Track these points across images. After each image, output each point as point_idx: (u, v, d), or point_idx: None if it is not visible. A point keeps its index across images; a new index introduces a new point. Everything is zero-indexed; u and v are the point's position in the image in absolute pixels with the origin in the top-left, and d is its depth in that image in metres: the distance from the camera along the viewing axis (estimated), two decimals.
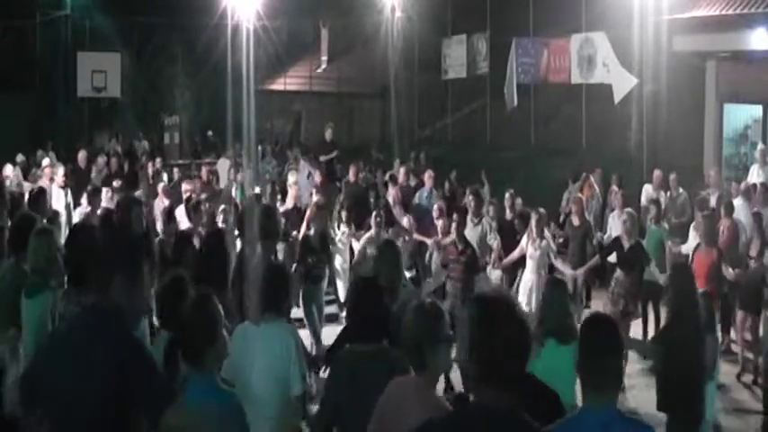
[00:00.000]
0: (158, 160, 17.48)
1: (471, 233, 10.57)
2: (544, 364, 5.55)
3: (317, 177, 14.70)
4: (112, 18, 24.44)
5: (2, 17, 23.34)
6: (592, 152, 17.76)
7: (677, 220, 12.28)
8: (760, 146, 13.79)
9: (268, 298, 5.13)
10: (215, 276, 7.46)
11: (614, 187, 13.70)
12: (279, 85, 29.72)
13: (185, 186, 13.61)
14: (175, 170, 16.97)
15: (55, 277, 5.85)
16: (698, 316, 6.40)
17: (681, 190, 13.10)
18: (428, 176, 14.09)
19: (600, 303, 10.45)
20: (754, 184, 12.25)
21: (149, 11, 25.18)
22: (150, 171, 15.98)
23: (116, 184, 13.76)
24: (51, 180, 13.44)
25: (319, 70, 28.86)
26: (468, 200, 11.57)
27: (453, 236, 9.70)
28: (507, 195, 12.51)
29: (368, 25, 24.59)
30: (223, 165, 17.91)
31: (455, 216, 10.11)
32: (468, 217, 11.01)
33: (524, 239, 10.39)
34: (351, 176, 14.95)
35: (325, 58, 28.65)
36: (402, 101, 23.09)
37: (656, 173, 13.66)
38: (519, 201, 12.52)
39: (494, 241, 10.95)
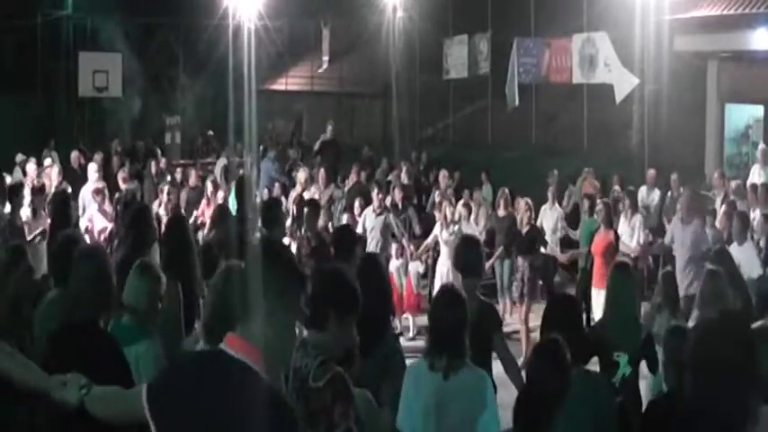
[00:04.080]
0: (163, 160, 17.43)
1: (374, 222, 11.01)
2: None
3: (321, 175, 14.57)
4: (114, 18, 24.39)
5: (2, 17, 23.30)
6: (593, 152, 17.77)
7: None
8: (761, 146, 13.78)
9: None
10: None
11: (616, 187, 13.69)
12: (280, 85, 29.69)
13: (124, 186, 12.91)
14: (178, 170, 16.89)
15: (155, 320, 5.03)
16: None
17: (682, 190, 13.07)
18: (442, 177, 14.03)
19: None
20: (754, 185, 12.25)
21: (151, 11, 25.17)
22: (154, 170, 15.90)
23: (122, 175, 13.59)
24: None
25: (320, 70, 28.82)
26: (374, 192, 11.84)
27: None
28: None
29: (369, 25, 24.56)
30: (222, 165, 17.89)
31: (306, 210, 9.98)
32: (372, 206, 11.35)
33: (437, 226, 10.65)
34: (353, 176, 14.90)
35: (326, 58, 28.61)
36: (403, 101, 23.08)
37: (650, 172, 13.68)
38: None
39: (398, 232, 11.23)
